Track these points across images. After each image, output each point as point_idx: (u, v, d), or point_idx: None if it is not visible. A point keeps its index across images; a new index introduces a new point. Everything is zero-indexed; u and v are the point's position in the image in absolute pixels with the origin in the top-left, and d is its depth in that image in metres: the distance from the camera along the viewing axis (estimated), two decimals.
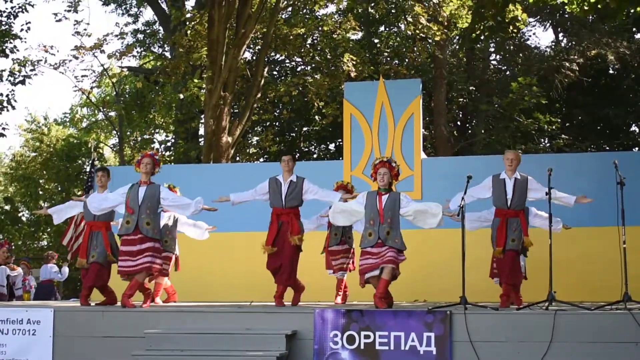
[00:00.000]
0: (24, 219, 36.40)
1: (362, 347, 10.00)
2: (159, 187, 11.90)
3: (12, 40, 23.91)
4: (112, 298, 12.41)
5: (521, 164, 11.81)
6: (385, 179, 11.30)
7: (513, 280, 11.51)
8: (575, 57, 27.32)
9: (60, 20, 25.49)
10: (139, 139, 35.40)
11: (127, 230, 11.64)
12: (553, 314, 9.60)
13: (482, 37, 15.73)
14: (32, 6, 23.93)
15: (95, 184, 12.84)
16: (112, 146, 38.51)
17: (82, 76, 31.42)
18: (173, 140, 32.19)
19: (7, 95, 23.97)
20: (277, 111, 30.27)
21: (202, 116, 26.70)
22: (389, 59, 29.12)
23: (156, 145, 33.06)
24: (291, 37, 25.81)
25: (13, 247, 22.73)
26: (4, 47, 23.82)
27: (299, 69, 29.85)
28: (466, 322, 9.77)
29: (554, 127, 27.03)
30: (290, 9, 26.98)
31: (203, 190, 14.66)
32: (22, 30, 24.10)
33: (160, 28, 31.01)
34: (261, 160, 31.01)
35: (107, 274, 12.38)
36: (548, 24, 30.10)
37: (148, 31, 32.38)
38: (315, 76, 26.68)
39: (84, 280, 12.44)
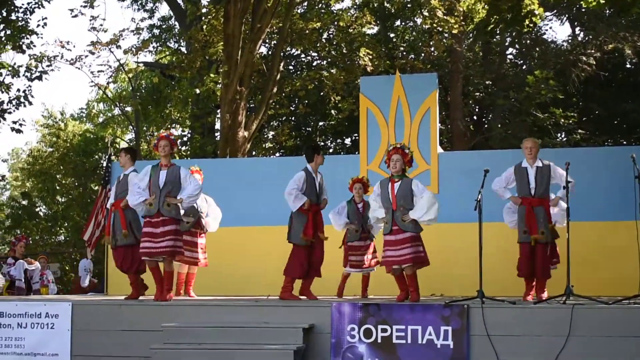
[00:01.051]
0: (41, 214, 36.50)
1: (379, 340, 10.01)
2: (179, 169, 11.84)
3: (28, 36, 24.01)
4: (137, 291, 12.38)
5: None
6: (397, 166, 11.33)
7: (547, 274, 11.49)
8: (592, 51, 27.22)
9: (76, 15, 25.51)
10: (155, 134, 35.44)
11: (149, 212, 11.62)
12: (570, 308, 9.58)
13: (497, 30, 15.69)
14: (49, 2, 24.04)
15: (113, 179, 12.83)
16: (128, 141, 38.54)
17: (99, 71, 31.64)
18: (189, 135, 32.25)
19: (24, 91, 24.10)
20: (293, 106, 30.26)
21: (218, 111, 26.74)
22: (404, 53, 29.09)
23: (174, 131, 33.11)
24: (307, 31, 25.80)
25: (30, 242, 22.84)
26: (21, 43, 23.92)
27: (314, 63, 29.84)
28: (483, 316, 9.77)
29: (570, 121, 26.95)
30: (305, 3, 26.93)
31: (219, 185, 14.74)
32: (38, 26, 24.22)
33: (176, 23, 31.03)
34: (277, 154, 31.04)
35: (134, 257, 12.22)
36: (565, 18, 29.97)
37: (164, 26, 32.40)
38: (331, 71, 26.67)
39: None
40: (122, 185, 12.31)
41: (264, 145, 31.33)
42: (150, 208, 11.60)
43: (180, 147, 31.03)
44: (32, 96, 24.19)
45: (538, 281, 11.49)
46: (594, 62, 26.98)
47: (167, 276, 11.71)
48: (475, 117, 31.11)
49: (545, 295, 11.35)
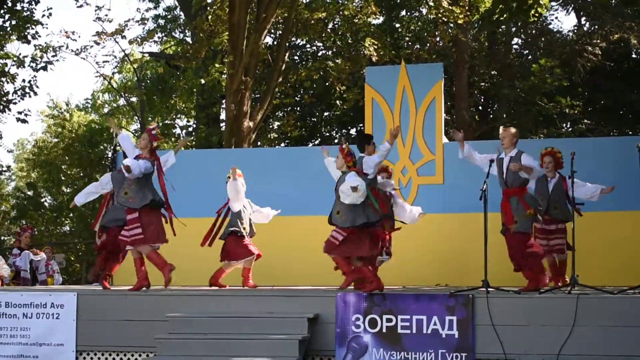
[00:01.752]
0: (46, 204, 36.54)
1: (384, 330, 10.03)
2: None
3: (33, 27, 24.03)
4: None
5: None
6: (338, 164, 11.48)
7: (528, 263, 11.44)
8: (598, 41, 27.13)
9: (81, 6, 25.50)
10: (161, 124, 35.45)
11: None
12: (576, 298, 9.59)
13: (502, 19, 15.64)
14: None
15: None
16: (133, 131, 38.55)
17: (104, 62, 31.56)
18: (194, 126, 32.22)
19: (29, 82, 24.13)
20: (299, 96, 30.23)
21: (224, 101, 26.73)
22: (410, 43, 29.03)
23: (177, 131, 33.11)
24: (312, 21, 25.75)
25: (36, 233, 22.86)
26: (26, 33, 23.93)
27: (320, 53, 29.80)
28: (488, 306, 9.78)
29: (575, 110, 26.90)
30: None
31: (224, 175, 14.71)
32: (43, 16, 24.24)
33: (181, 13, 30.96)
34: (282, 145, 31.03)
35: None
36: (570, 8, 29.87)
37: (169, 16, 32.36)
38: (337, 61, 26.63)
39: None
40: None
41: (269, 136, 31.32)
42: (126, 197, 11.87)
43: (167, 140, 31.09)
44: (37, 86, 24.24)
45: (531, 270, 11.40)
46: (600, 52, 26.89)
47: (154, 261, 12.04)
48: (480, 107, 31.06)
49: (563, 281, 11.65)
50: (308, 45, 30.39)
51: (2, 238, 36.59)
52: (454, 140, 12.13)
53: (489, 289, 10.10)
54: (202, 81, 25.79)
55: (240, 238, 13.17)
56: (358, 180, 10.89)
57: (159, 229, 12.09)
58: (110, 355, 11.03)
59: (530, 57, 29.65)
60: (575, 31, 29.64)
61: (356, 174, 11.10)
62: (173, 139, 33.06)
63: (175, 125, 34.24)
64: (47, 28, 28.23)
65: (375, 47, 24.53)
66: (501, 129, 11.71)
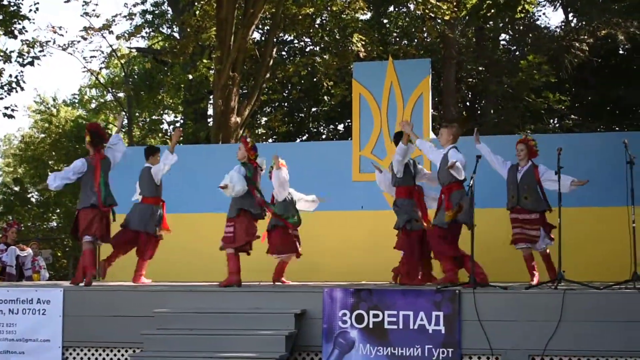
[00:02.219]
0: (33, 200, 36.47)
1: (371, 326, 10.03)
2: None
3: (20, 21, 23.93)
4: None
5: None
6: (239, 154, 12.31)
7: (437, 257, 11.77)
8: (585, 37, 27.20)
9: (68, 0, 25.43)
10: (148, 119, 35.42)
11: None
12: (562, 294, 9.62)
13: (489, 15, 15.68)
14: None
15: None
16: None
17: (91, 57, 31.62)
18: (182, 121, 32.22)
19: (16, 77, 24.05)
20: (286, 91, 30.24)
21: (211, 97, 26.69)
22: (398, 39, 29.04)
23: (164, 126, 33.12)
24: (300, 17, 25.73)
25: (22, 228, 22.81)
26: (13, 28, 23.84)
27: (307, 49, 29.79)
28: (475, 302, 9.79)
29: (563, 106, 26.96)
30: None
31: (212, 170, 14.70)
32: (30, 11, 24.16)
33: (169, 8, 30.95)
34: (270, 140, 31.02)
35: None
36: (558, 4, 29.97)
37: (157, 12, 32.30)
38: (324, 56, 26.61)
39: None
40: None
41: (256, 131, 31.29)
42: None
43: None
44: (24, 82, 24.17)
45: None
46: (587, 48, 26.97)
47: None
48: (468, 103, 31.10)
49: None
50: (296, 41, 30.38)
51: None
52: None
53: (475, 285, 10.12)
54: (190, 77, 25.83)
55: (286, 231, 12.94)
56: (226, 180, 11.76)
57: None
58: (96, 351, 11.00)
59: (517, 53, 29.71)
60: (563, 27, 29.72)
61: (238, 170, 11.93)
62: (160, 135, 33.05)
63: (163, 120, 34.23)
64: (34, 23, 28.27)
65: (363, 42, 24.52)
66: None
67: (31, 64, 24.51)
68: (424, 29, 26.82)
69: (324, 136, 31.71)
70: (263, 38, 27.67)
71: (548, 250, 11.81)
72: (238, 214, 11.82)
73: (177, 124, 32.44)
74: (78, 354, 11.05)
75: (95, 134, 12.55)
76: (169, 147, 12.95)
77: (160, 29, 32.59)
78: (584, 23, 28.32)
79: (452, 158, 11.26)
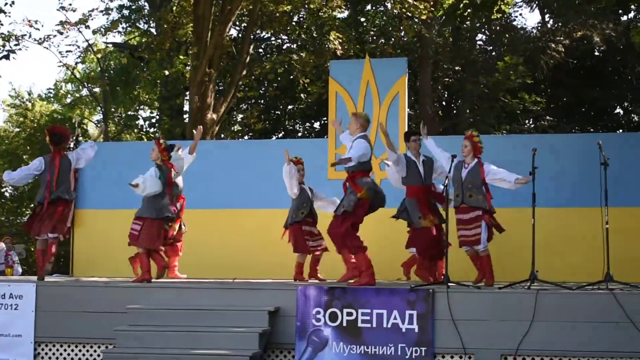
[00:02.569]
0: (7, 194, 36.25)
1: (344, 324, 10.04)
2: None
3: None
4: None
5: (507, 145, 11.93)
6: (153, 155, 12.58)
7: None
8: (561, 38, 27.33)
9: None
10: (124, 115, 35.27)
11: None
12: (535, 293, 9.66)
13: (465, 14, 15.71)
14: None
15: None
16: (96, 122, 38.34)
17: (67, 52, 31.57)
18: (158, 117, 32.08)
19: None
20: (263, 89, 30.17)
21: (187, 93, 26.62)
22: (375, 37, 29.03)
23: (140, 122, 32.99)
24: (277, 14, 25.67)
25: None
26: None
27: (284, 46, 29.74)
28: (448, 301, 9.82)
29: (538, 107, 27.08)
30: None
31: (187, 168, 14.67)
32: (6, 4, 23.94)
33: (146, 4, 30.80)
34: (246, 137, 30.97)
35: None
36: (534, 5, 30.09)
37: (133, 7, 32.15)
38: (301, 54, 26.58)
39: None
40: None
41: (232, 128, 31.23)
42: None
43: (148, 129, 31.00)
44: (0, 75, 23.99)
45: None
46: (563, 50, 27.10)
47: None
48: (444, 103, 31.17)
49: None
50: (273, 38, 30.30)
51: None
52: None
53: (449, 284, 10.15)
54: (166, 72, 25.69)
55: (300, 229, 12.85)
56: (139, 179, 11.97)
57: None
58: (69, 346, 10.96)
59: (494, 53, 29.79)
60: (539, 28, 29.83)
61: (154, 169, 12.18)
62: (136, 130, 32.93)
63: (139, 116, 34.09)
64: (9, 16, 28.03)
65: (340, 40, 24.51)
66: None
67: (6, 57, 24.29)
68: (401, 28, 26.82)
69: (300, 134, 31.69)
70: (240, 35, 27.59)
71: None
72: (147, 215, 12.11)
73: (153, 120, 32.32)
74: (50, 350, 11.01)
75: (53, 135, 12.84)
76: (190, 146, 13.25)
77: (137, 24, 32.44)
78: (560, 24, 28.44)
79: (349, 150, 11.29)
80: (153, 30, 30.28)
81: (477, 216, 11.30)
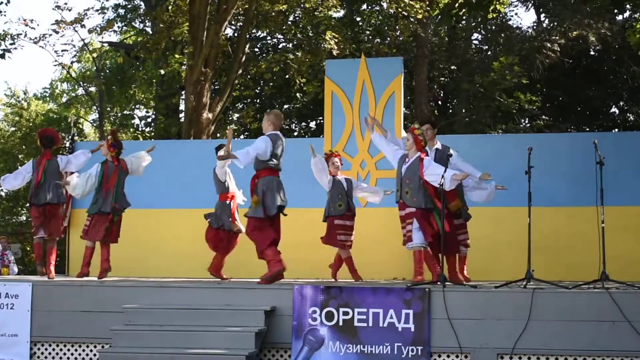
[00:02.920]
0: (2, 194, 36.21)
1: (340, 323, 10.03)
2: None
3: None
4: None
5: (503, 144, 11.89)
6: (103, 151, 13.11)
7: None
8: (557, 37, 27.34)
9: None
10: (119, 114, 35.25)
11: None
12: (531, 292, 9.66)
13: (461, 14, 15.69)
14: None
15: None
16: (92, 121, 38.30)
17: (63, 51, 31.28)
18: (153, 116, 32.07)
19: None
20: (258, 88, 30.18)
21: (183, 92, 26.61)
22: (370, 37, 29.05)
23: (136, 121, 32.96)
24: (273, 13, 25.69)
25: None
26: None
27: (280, 46, 29.75)
28: (444, 300, 9.81)
29: (534, 106, 27.10)
30: None
31: (183, 166, 14.68)
32: (1, 3, 23.93)
33: (142, 3, 30.79)
34: (242, 137, 30.95)
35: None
36: (530, 4, 30.12)
37: (129, 6, 32.14)
38: (297, 53, 26.59)
39: None
40: None
41: (227, 128, 31.21)
42: None
43: (144, 128, 30.96)
44: None
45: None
46: (559, 49, 27.12)
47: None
48: (440, 102, 31.18)
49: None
50: (268, 38, 30.32)
51: None
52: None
53: (445, 283, 10.14)
54: (162, 72, 25.69)
55: (332, 222, 12.79)
56: (73, 178, 12.82)
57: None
58: (65, 346, 10.95)
59: (489, 52, 29.82)
60: (535, 28, 29.85)
61: (96, 167, 12.75)
62: (132, 130, 32.89)
63: (134, 115, 34.07)
64: (5, 15, 27.95)
65: (336, 40, 24.52)
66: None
67: (2, 56, 24.26)
68: (397, 27, 26.87)
69: (295, 133, 31.69)
70: (236, 34, 27.58)
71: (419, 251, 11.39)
72: (93, 212, 12.65)
73: (149, 119, 32.30)
74: (46, 349, 10.99)
75: (44, 138, 13.43)
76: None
77: (133, 23, 32.43)
78: (555, 24, 28.45)
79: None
80: (149, 29, 30.29)
81: (410, 213, 11.22)
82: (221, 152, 11.83)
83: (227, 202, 13.06)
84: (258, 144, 11.27)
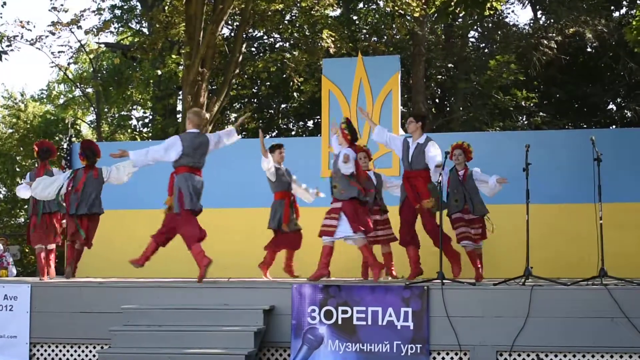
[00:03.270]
0: (0, 195, 36.22)
1: (339, 322, 10.03)
2: None
3: None
4: None
5: (500, 141, 11.90)
6: None
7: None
8: (554, 34, 27.36)
9: None
10: (117, 115, 35.25)
11: None
12: (530, 290, 9.66)
13: (457, 11, 15.68)
14: None
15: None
16: (89, 123, 38.32)
17: (59, 52, 31.43)
18: (151, 117, 32.09)
19: None
20: (255, 87, 30.17)
21: (180, 92, 26.59)
22: (367, 35, 29.04)
23: (133, 122, 32.93)
24: (269, 13, 25.67)
25: None
26: None
27: (277, 45, 29.74)
28: (443, 297, 9.81)
29: (531, 104, 27.11)
30: None
31: None
32: None
33: (138, 4, 30.79)
34: (239, 137, 30.91)
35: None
36: (527, 2, 30.11)
37: (125, 7, 32.14)
38: (294, 52, 26.59)
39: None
40: None
41: (225, 127, 31.20)
42: None
43: (142, 129, 30.95)
44: None
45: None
46: (555, 46, 27.13)
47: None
48: (437, 100, 31.19)
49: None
50: (265, 37, 30.31)
51: None
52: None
53: (444, 281, 10.15)
54: (159, 72, 25.69)
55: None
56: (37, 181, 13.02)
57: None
58: (64, 347, 10.95)
59: (486, 50, 29.82)
60: (532, 25, 29.85)
61: (68, 173, 13.20)
62: (129, 130, 32.89)
63: (132, 116, 34.06)
64: (1, 17, 27.83)
65: (333, 39, 24.51)
66: None
67: None
68: (394, 25, 26.86)
69: (293, 132, 31.68)
70: (232, 34, 27.58)
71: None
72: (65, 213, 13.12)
73: (146, 120, 32.28)
74: (46, 350, 10.99)
75: (40, 150, 13.72)
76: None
77: (129, 24, 32.43)
78: (552, 21, 28.47)
79: None
80: (145, 30, 30.27)
81: (336, 208, 11.42)
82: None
83: (278, 200, 13.02)
84: (168, 144, 11.96)
